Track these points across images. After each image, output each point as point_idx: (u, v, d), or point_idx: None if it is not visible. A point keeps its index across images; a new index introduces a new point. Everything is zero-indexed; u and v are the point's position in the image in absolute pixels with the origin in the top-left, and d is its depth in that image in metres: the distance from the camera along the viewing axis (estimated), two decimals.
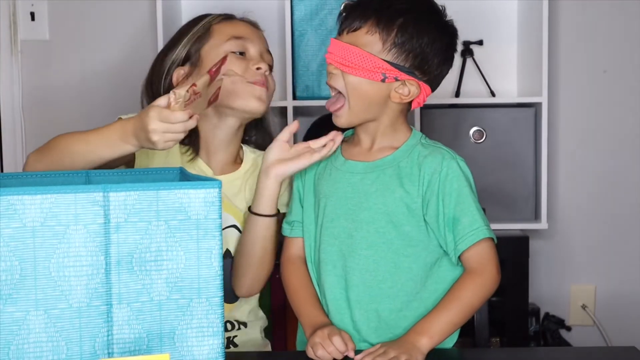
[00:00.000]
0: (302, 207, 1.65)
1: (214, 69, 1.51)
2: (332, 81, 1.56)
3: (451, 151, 1.57)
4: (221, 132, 1.77)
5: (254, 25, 1.84)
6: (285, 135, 1.62)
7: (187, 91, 1.41)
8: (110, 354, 1.15)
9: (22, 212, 1.10)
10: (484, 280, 1.50)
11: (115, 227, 1.14)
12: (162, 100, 1.43)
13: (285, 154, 1.61)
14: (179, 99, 1.40)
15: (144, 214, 1.15)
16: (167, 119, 1.40)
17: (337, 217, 1.57)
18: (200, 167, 1.77)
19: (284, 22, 2.62)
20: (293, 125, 1.62)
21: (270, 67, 1.79)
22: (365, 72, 1.52)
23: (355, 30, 1.55)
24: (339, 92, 1.57)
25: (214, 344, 1.20)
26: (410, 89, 1.55)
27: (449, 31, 1.59)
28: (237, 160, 1.82)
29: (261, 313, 1.86)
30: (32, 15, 2.79)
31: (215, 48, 1.75)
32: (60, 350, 1.14)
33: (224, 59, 1.58)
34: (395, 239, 1.54)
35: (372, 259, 1.54)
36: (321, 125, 2.58)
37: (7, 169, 2.81)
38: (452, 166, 1.53)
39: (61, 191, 1.12)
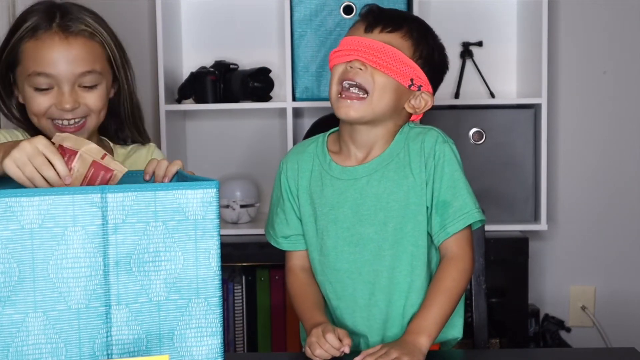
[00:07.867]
0: (301, 220, 1.63)
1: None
2: (359, 77, 1.51)
3: (442, 133, 1.57)
4: None
5: (68, 35, 1.60)
6: None
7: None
8: (109, 355, 1.15)
9: (20, 214, 1.10)
10: (465, 265, 1.53)
11: (114, 228, 1.14)
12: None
13: None
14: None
15: (141, 214, 1.15)
16: (50, 150, 1.25)
17: (353, 224, 1.57)
18: None
19: (284, 23, 2.62)
20: None
21: (92, 87, 1.60)
22: (397, 74, 1.51)
23: (390, 31, 1.53)
24: (358, 87, 1.52)
25: (213, 344, 1.20)
26: (425, 99, 1.56)
27: (444, 56, 1.63)
28: None
29: None
30: None
31: (22, 78, 1.60)
32: (59, 352, 1.14)
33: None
34: (412, 231, 1.55)
35: (396, 256, 1.55)
36: (323, 125, 2.58)
37: None
38: (445, 150, 1.54)
39: (59, 193, 1.12)
